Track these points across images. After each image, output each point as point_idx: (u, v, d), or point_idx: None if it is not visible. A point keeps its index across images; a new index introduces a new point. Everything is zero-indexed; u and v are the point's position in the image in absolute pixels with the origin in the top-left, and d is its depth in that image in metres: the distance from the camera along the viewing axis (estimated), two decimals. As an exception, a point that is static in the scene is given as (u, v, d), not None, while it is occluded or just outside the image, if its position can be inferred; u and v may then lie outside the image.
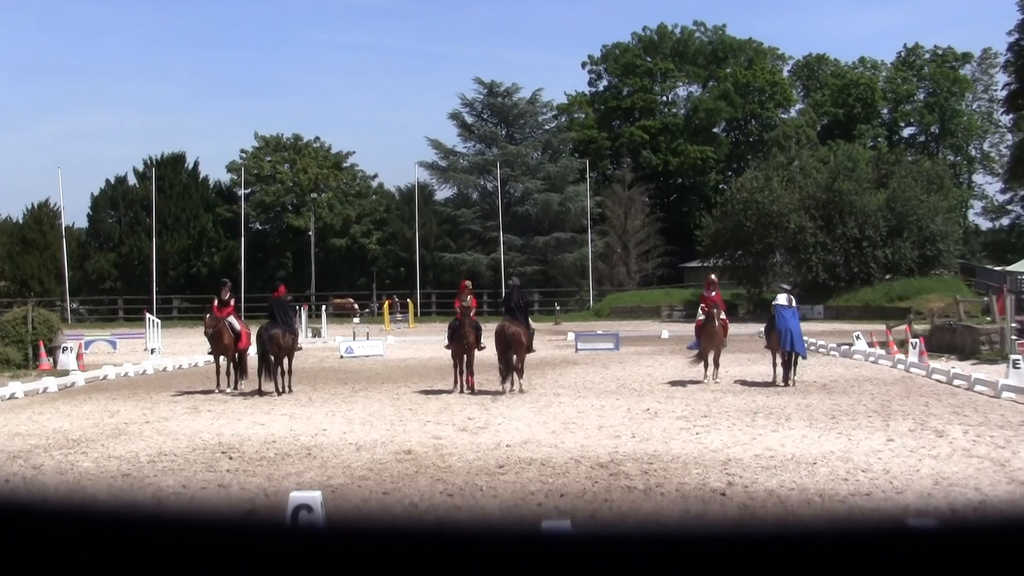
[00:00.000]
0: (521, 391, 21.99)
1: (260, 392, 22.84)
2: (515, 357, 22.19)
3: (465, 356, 22.81)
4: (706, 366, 23.91)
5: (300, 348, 26.22)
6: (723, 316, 24.19)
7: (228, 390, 23.69)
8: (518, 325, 22.44)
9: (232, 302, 25.51)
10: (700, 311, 24.50)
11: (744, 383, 23.59)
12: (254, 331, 24.74)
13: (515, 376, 22.31)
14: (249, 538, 1.77)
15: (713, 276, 27.07)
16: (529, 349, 22.96)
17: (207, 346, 25.48)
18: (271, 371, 23.09)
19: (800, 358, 23.58)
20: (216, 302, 24.64)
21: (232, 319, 24.44)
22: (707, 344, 23.74)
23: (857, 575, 1.64)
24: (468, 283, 24.75)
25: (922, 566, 1.64)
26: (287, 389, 23.13)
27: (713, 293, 24.45)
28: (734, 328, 26.56)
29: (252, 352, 24.87)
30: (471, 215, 75.81)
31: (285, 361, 23.40)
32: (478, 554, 1.67)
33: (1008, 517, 2.00)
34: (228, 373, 24.21)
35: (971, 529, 1.90)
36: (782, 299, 23.68)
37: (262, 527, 1.94)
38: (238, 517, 1.86)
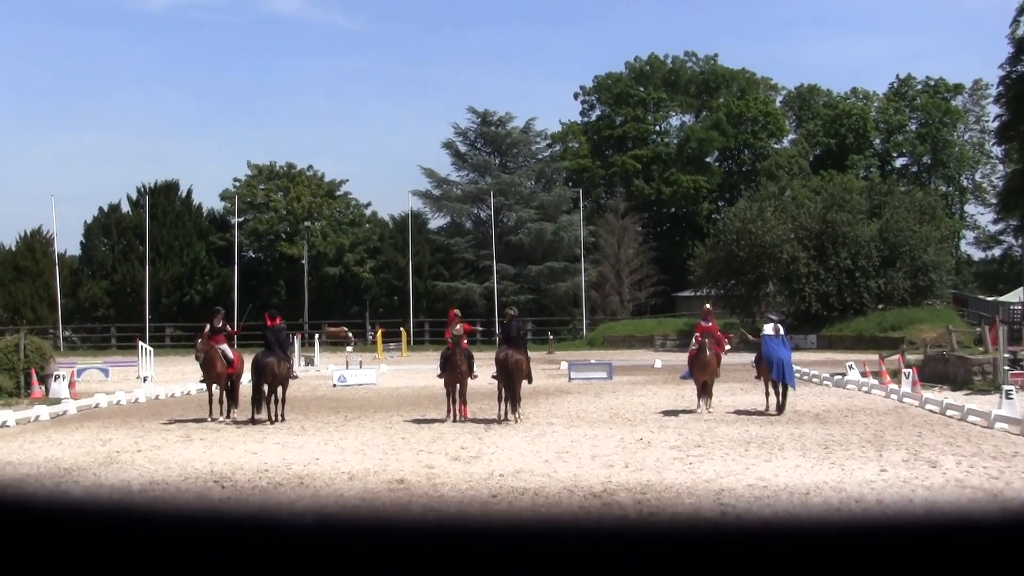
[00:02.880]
0: (518, 420, 21.97)
1: (253, 421, 22.80)
2: (513, 385, 22.24)
3: (458, 385, 22.81)
4: (699, 395, 23.93)
5: (296, 376, 26.22)
6: (727, 347, 24.26)
7: (221, 418, 23.63)
8: (521, 353, 22.51)
9: (228, 329, 25.51)
10: (694, 340, 24.53)
11: (737, 412, 23.58)
12: (247, 359, 24.74)
13: (513, 404, 22.32)
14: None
15: (708, 305, 27.17)
16: (528, 379, 23.02)
17: (199, 374, 25.43)
18: (265, 399, 23.09)
19: (790, 388, 23.63)
20: (208, 329, 24.64)
21: (224, 347, 24.40)
22: (700, 374, 23.76)
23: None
24: (456, 312, 24.85)
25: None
26: (280, 418, 23.08)
27: (709, 323, 24.50)
28: (727, 358, 26.57)
29: (245, 380, 24.84)
30: (464, 244, 75.83)
31: (279, 390, 23.37)
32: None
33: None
34: (221, 401, 24.15)
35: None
36: (768, 329, 23.85)
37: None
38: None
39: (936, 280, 63.20)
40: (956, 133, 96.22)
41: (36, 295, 72.02)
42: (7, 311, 70.45)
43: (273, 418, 22.91)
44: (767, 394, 23.74)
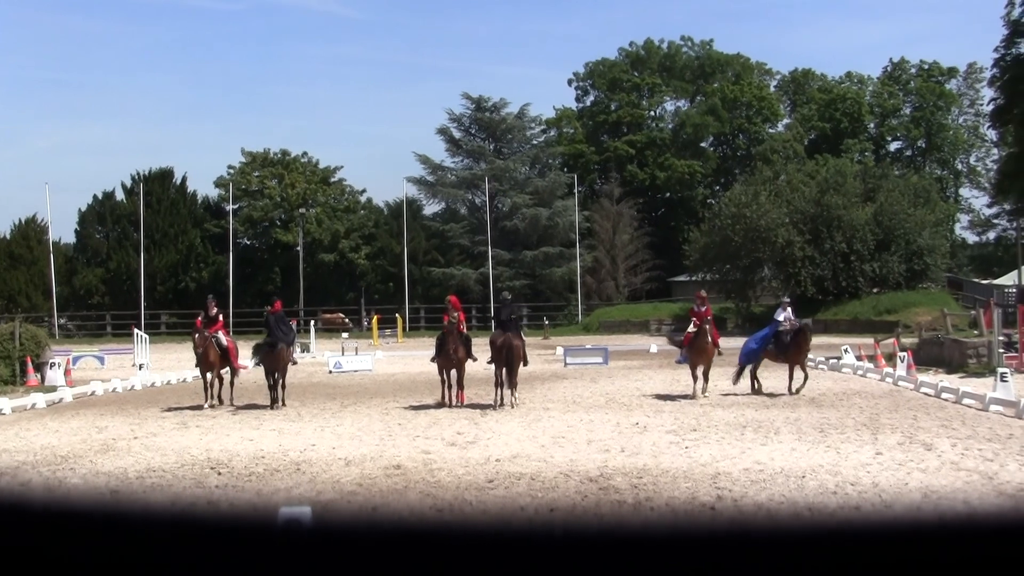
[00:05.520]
0: (514, 405, 21.98)
1: (272, 406, 22.83)
2: (510, 370, 22.25)
3: (455, 371, 22.83)
4: (695, 380, 23.97)
5: (295, 363, 26.36)
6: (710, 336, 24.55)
7: (217, 405, 23.66)
8: (516, 338, 22.53)
9: (220, 318, 25.50)
10: (692, 325, 24.54)
11: (733, 396, 23.63)
12: (244, 347, 24.82)
13: (510, 389, 22.34)
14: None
15: (703, 292, 27.24)
16: (524, 362, 23.07)
17: (195, 361, 25.48)
18: (271, 386, 23.23)
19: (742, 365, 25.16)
20: (203, 318, 24.64)
21: (220, 335, 24.47)
22: (696, 358, 23.82)
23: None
24: (455, 299, 24.81)
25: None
26: (281, 403, 23.22)
27: (703, 308, 24.55)
28: (724, 342, 26.61)
29: (249, 365, 25.00)
30: (459, 230, 75.78)
31: (277, 375, 23.50)
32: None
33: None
34: (215, 387, 24.22)
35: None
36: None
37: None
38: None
39: (931, 263, 63.32)
40: (950, 117, 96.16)
41: (31, 283, 72.00)
42: (2, 299, 70.42)
43: (274, 403, 23.04)
44: (751, 378, 24.61)
